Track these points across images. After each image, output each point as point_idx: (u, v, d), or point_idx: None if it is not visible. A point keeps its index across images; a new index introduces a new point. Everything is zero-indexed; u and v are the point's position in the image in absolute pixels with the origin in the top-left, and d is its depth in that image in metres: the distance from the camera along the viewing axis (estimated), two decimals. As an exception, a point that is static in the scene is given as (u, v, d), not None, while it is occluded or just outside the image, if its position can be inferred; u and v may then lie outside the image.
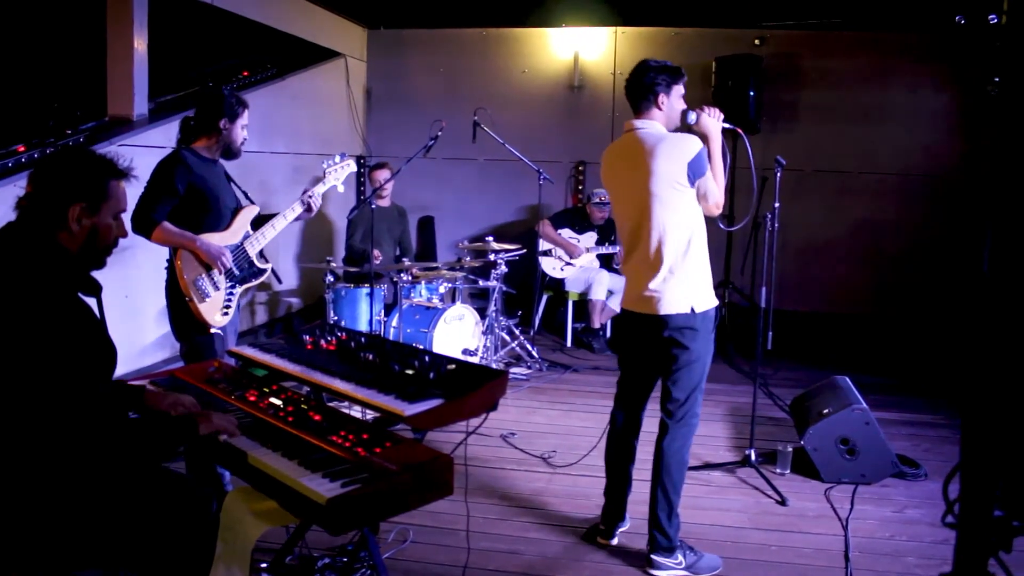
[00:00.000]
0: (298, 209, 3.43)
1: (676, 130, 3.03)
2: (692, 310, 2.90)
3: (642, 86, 2.98)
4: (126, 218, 2.15)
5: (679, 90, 3.02)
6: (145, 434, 1.93)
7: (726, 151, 3.05)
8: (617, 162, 3.07)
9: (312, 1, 6.62)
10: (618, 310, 6.43)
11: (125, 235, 2.10)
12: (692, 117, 3.05)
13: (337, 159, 3.75)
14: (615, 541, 3.18)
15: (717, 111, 3.08)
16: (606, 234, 6.60)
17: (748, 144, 3.36)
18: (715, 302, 2.99)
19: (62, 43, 5.43)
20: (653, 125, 2.97)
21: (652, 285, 2.91)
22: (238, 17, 5.51)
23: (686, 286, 2.91)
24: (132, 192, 2.18)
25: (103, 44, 4.70)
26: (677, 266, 2.91)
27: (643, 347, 3.05)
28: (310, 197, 3.45)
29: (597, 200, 6.48)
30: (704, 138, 2.99)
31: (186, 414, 2.07)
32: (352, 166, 3.80)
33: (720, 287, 6.72)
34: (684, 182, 2.88)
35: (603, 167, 3.16)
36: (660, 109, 2.99)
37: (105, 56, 4.70)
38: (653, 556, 2.97)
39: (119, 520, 1.92)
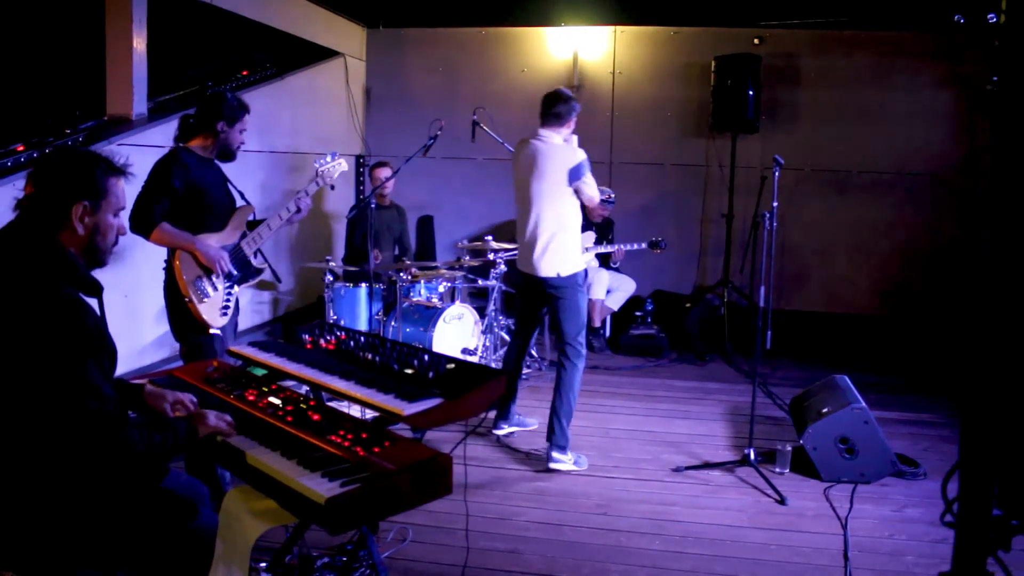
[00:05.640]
0: (292, 209, 3.44)
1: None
2: (558, 274, 3.96)
3: (562, 108, 3.99)
4: (124, 215, 2.15)
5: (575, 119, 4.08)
6: (155, 439, 1.92)
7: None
8: (524, 161, 4.07)
9: (311, 0, 6.62)
10: (616, 308, 6.50)
11: (124, 233, 2.10)
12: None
13: (328, 158, 3.74)
14: (501, 433, 4.30)
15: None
16: (604, 233, 6.59)
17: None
18: (581, 267, 4.08)
19: (61, 42, 5.42)
20: (554, 138, 4.01)
21: (535, 255, 3.99)
22: (237, 16, 5.50)
23: (557, 256, 3.96)
24: (130, 191, 2.18)
25: (102, 43, 4.69)
26: (551, 242, 3.96)
27: (532, 297, 4.16)
28: (300, 199, 3.46)
29: (601, 198, 6.45)
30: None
31: (183, 416, 2.07)
32: (344, 165, 3.79)
33: (719, 286, 6.74)
34: (564, 183, 3.94)
35: (514, 162, 4.16)
36: (565, 129, 4.02)
37: (104, 55, 4.69)
38: (552, 452, 3.92)
39: (118, 521, 1.92)
